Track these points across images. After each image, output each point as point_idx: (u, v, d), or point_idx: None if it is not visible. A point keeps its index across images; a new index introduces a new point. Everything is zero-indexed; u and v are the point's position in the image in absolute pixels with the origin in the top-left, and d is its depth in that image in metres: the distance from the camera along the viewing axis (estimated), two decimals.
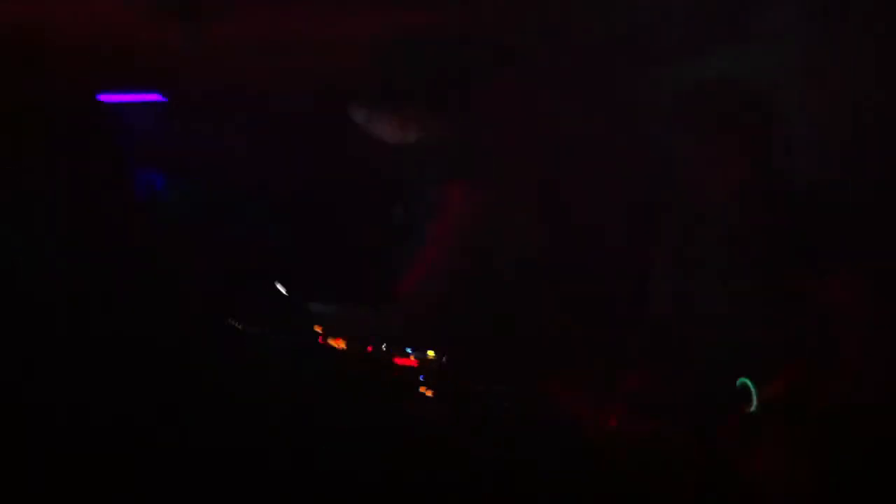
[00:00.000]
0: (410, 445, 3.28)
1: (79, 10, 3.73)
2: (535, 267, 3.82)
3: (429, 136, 3.88)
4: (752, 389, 3.22)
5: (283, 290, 3.74)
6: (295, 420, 3.30)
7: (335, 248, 4.00)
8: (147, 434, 3.27)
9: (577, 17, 3.87)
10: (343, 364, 3.54)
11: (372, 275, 3.89)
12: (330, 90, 3.94)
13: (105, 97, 4.00)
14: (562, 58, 3.91)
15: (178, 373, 3.36)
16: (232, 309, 3.60)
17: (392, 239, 3.92)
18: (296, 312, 3.71)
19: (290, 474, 3.23)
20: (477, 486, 3.20)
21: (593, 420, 3.36)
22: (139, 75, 4.05)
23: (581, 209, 3.85)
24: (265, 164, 4.04)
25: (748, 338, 3.32)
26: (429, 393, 3.42)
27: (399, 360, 3.51)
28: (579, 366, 3.53)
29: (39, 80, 3.64)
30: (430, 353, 3.52)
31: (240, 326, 3.55)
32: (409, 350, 3.53)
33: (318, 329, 3.60)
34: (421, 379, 3.46)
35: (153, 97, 4.13)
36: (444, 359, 3.51)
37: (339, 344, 3.56)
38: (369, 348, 3.55)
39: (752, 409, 3.21)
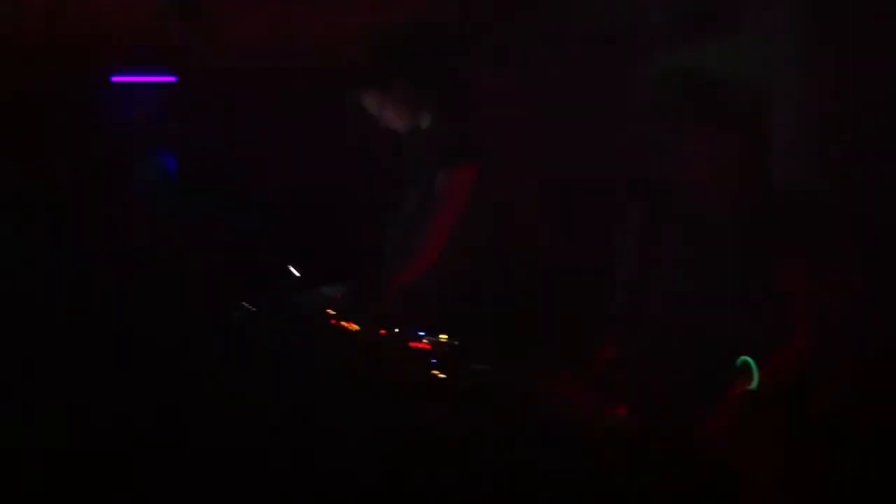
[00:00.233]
0: (410, 445, 3.28)
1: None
2: (532, 259, 3.83)
3: (427, 125, 3.87)
4: (753, 367, 3.22)
5: (295, 272, 3.73)
6: (295, 420, 3.29)
7: (338, 238, 4.00)
8: (147, 433, 3.27)
9: (569, 11, 3.87)
10: (350, 354, 3.52)
11: (375, 263, 3.89)
12: (329, 81, 3.92)
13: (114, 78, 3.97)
14: (555, 51, 3.91)
15: (178, 371, 3.35)
16: (233, 302, 3.60)
17: (390, 234, 3.92)
18: (300, 299, 3.70)
19: (290, 474, 3.23)
20: (477, 486, 3.20)
21: (591, 416, 3.36)
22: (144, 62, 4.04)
23: (575, 202, 3.86)
24: (266, 155, 4.03)
25: (739, 333, 3.33)
26: (441, 376, 3.43)
27: (412, 343, 3.52)
28: (576, 361, 3.53)
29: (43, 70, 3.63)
30: (443, 337, 3.53)
31: (241, 319, 3.55)
32: (421, 333, 3.54)
33: (331, 312, 3.59)
34: (433, 362, 3.47)
35: (159, 78, 4.11)
36: (455, 342, 3.52)
37: (352, 327, 3.56)
38: (382, 331, 3.55)
39: (753, 386, 3.21)
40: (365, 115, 3.90)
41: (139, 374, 3.35)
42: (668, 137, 3.54)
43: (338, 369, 3.43)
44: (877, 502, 3.13)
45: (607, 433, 3.29)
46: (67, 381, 3.34)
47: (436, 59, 3.82)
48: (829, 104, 3.59)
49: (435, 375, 3.44)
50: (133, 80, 4.08)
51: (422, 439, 3.29)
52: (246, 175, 4.06)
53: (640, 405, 3.35)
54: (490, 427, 3.32)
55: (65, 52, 3.80)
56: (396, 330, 3.56)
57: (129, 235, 3.77)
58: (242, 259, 3.88)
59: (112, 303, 3.50)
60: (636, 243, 3.56)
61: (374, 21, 3.86)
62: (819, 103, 3.59)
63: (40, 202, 3.67)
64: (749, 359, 3.22)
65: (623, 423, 3.29)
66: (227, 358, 3.42)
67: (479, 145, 3.77)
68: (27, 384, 3.32)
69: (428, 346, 3.52)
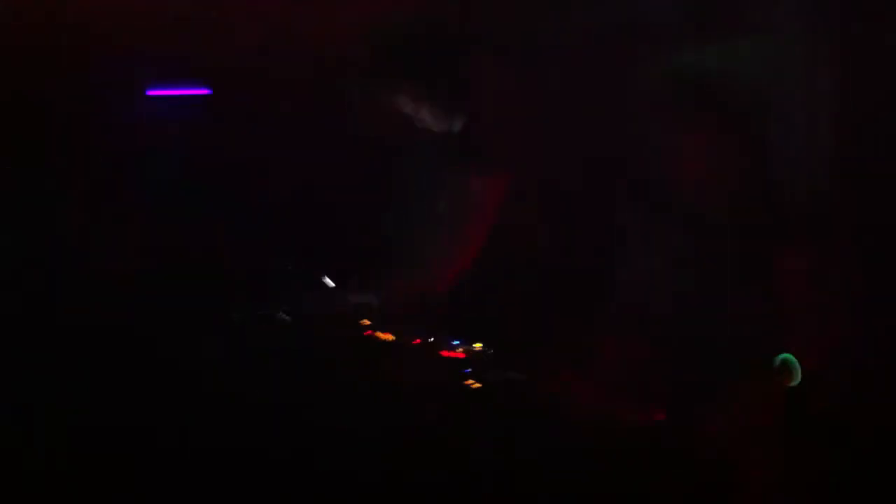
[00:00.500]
0: (410, 445, 3.28)
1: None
2: (532, 259, 3.82)
3: (427, 129, 3.87)
4: (794, 363, 3.23)
5: (328, 280, 3.74)
6: (294, 420, 3.29)
7: (333, 243, 4.00)
8: (147, 433, 3.27)
9: (569, 11, 3.86)
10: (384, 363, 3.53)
11: (380, 267, 3.89)
12: (328, 81, 3.92)
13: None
14: (555, 51, 3.91)
15: (178, 371, 3.35)
16: (232, 305, 3.60)
17: (390, 235, 3.92)
18: (295, 306, 3.70)
19: (289, 474, 3.23)
20: (477, 486, 3.21)
21: (592, 414, 3.36)
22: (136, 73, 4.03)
23: (575, 202, 3.85)
24: (268, 156, 4.02)
25: (739, 333, 3.33)
26: (475, 385, 3.42)
27: (445, 353, 3.52)
28: (576, 361, 3.53)
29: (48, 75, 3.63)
30: (477, 346, 3.54)
31: (242, 320, 3.55)
32: (455, 343, 3.54)
33: (365, 322, 3.59)
34: (468, 371, 3.47)
35: (193, 91, 4.11)
36: (490, 351, 3.52)
37: (387, 337, 3.56)
38: (416, 340, 3.55)
39: (796, 382, 3.22)
40: (365, 115, 3.90)
41: (139, 374, 3.35)
42: (668, 137, 3.54)
43: (357, 375, 3.44)
44: (877, 502, 3.13)
45: (608, 433, 3.29)
46: (67, 382, 3.34)
47: (436, 59, 3.83)
48: (829, 104, 3.59)
49: (468, 385, 3.44)
50: (167, 93, 4.09)
51: (423, 439, 3.29)
52: (247, 175, 4.05)
53: (640, 405, 3.35)
54: (491, 427, 3.32)
55: (71, 53, 3.81)
56: (431, 339, 3.56)
57: (131, 236, 3.77)
58: (245, 260, 3.87)
59: (112, 303, 3.50)
60: (636, 243, 3.56)
61: (374, 21, 3.86)
62: (819, 103, 3.58)
63: (40, 202, 3.66)
64: (789, 355, 3.23)
65: (630, 423, 3.30)
66: (226, 358, 3.42)
67: (480, 146, 3.78)
68: (27, 384, 3.31)
69: (462, 356, 3.52)
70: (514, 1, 3.96)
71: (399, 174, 3.94)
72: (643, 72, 3.77)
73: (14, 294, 3.48)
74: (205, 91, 4.13)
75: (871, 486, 3.11)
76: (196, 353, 3.43)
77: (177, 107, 4.10)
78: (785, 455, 3.13)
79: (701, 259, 3.45)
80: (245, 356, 3.45)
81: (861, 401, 3.21)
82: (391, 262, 3.86)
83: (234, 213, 4.01)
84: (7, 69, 3.70)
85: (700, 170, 3.51)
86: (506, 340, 3.63)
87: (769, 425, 3.18)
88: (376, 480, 3.20)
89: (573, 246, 3.76)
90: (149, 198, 3.93)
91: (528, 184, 3.84)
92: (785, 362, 3.24)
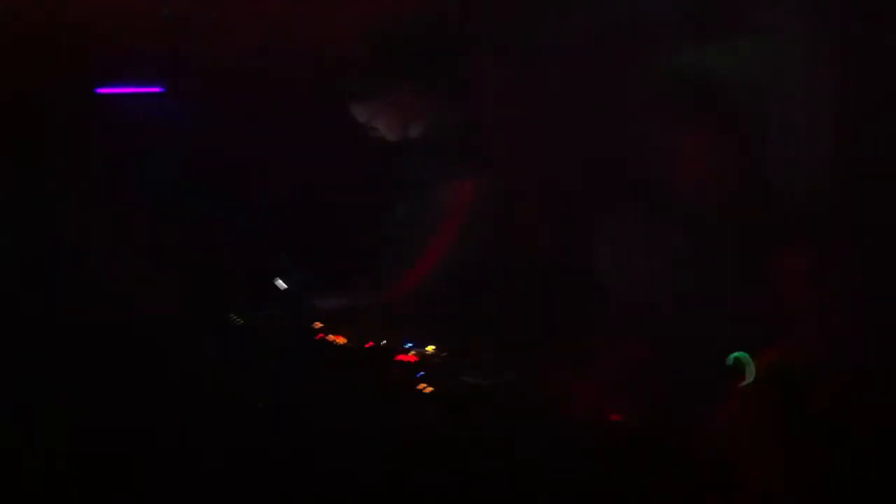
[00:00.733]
0: (410, 445, 3.28)
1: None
2: (532, 259, 3.82)
3: (427, 129, 3.87)
4: (748, 361, 3.23)
5: (282, 284, 3.72)
6: (294, 420, 3.29)
7: (334, 243, 3.99)
8: (147, 433, 3.27)
9: (569, 11, 3.86)
10: (342, 361, 3.52)
11: (371, 270, 3.88)
12: (328, 81, 3.92)
13: (104, 90, 3.97)
14: (555, 51, 3.91)
15: (177, 371, 3.35)
16: (232, 306, 3.59)
17: (390, 234, 3.92)
18: (295, 307, 3.70)
19: (289, 475, 3.23)
20: (477, 486, 3.21)
21: (591, 416, 3.36)
22: (139, 67, 4.03)
23: (575, 202, 3.85)
24: (264, 159, 4.02)
25: (739, 333, 3.33)
26: (428, 389, 3.40)
27: (399, 357, 3.50)
28: (576, 361, 3.53)
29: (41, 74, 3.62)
30: (430, 349, 3.51)
31: (239, 322, 3.54)
32: (408, 345, 3.52)
33: (318, 326, 3.58)
34: (420, 375, 3.44)
35: (152, 89, 4.10)
36: (443, 354, 3.50)
37: (340, 340, 3.54)
38: (370, 344, 3.54)
39: (750, 380, 3.22)
40: (365, 115, 3.90)
41: (138, 374, 3.35)
42: (668, 137, 3.54)
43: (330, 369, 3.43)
44: (877, 502, 3.13)
45: (607, 433, 3.29)
46: (67, 382, 3.34)
47: (436, 59, 3.82)
48: (829, 104, 3.59)
49: (422, 389, 3.42)
50: (120, 91, 4.07)
51: (420, 440, 3.29)
52: (244, 176, 4.05)
53: (640, 405, 3.35)
54: (490, 428, 3.32)
55: (71, 53, 3.80)
56: (384, 342, 3.54)
57: (130, 236, 3.77)
58: (241, 262, 3.87)
59: (112, 304, 3.50)
60: (636, 243, 3.56)
61: (374, 21, 3.86)
62: (819, 103, 3.58)
63: (40, 202, 3.66)
64: (741, 353, 3.23)
65: (624, 424, 3.30)
66: (226, 358, 3.42)
67: (480, 145, 3.77)
68: (27, 385, 3.31)
69: (415, 359, 3.50)
70: (514, 1, 3.96)
71: (399, 174, 3.94)
72: (643, 72, 3.77)
73: (14, 294, 3.48)
74: (158, 89, 4.12)
75: (871, 486, 3.10)
76: (196, 353, 3.44)
77: (176, 107, 4.09)
78: (785, 455, 3.13)
79: (701, 259, 3.45)
80: (245, 357, 3.45)
81: (861, 401, 3.21)
82: (391, 262, 3.87)
83: (234, 213, 4.01)
84: (7, 69, 3.70)
85: (700, 170, 3.51)
86: (505, 340, 3.63)
87: (769, 425, 3.18)
88: (376, 480, 3.20)
89: (573, 246, 3.76)
90: (149, 198, 3.93)
91: (528, 184, 3.84)
92: (738, 361, 3.25)
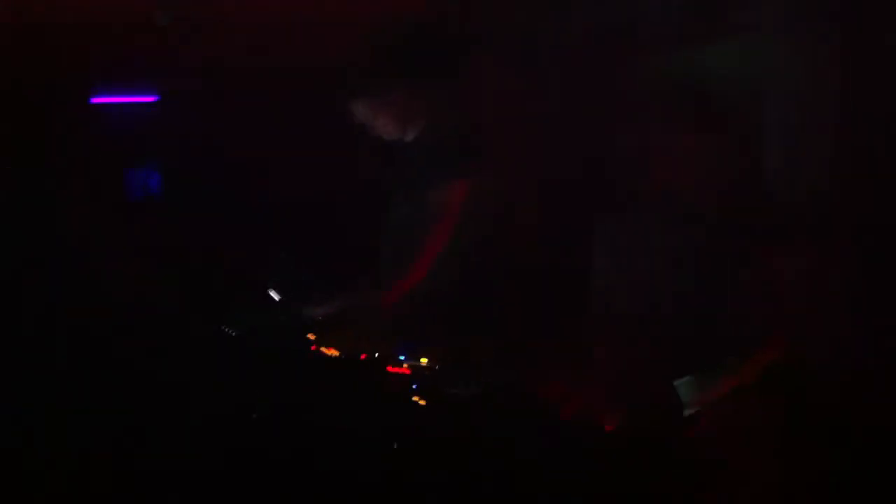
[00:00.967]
0: (409, 446, 3.28)
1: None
2: (531, 261, 3.83)
3: (427, 129, 3.87)
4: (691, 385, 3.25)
5: (275, 293, 3.72)
6: (292, 422, 3.29)
7: (328, 250, 4.00)
8: (147, 433, 3.27)
9: (569, 11, 3.87)
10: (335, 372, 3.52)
11: (365, 276, 3.88)
12: (327, 81, 3.92)
13: (99, 98, 3.98)
14: (555, 51, 3.91)
15: (174, 375, 3.35)
16: (228, 311, 3.59)
17: (390, 235, 3.92)
18: (289, 315, 3.69)
19: (289, 475, 3.23)
20: (477, 486, 3.21)
21: (589, 414, 3.36)
22: (134, 73, 4.04)
23: (574, 201, 3.85)
24: (260, 164, 4.03)
25: (738, 333, 3.34)
26: (422, 402, 3.39)
27: (392, 369, 3.49)
28: (575, 361, 3.53)
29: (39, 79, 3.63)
30: (423, 361, 3.50)
31: (235, 328, 3.53)
32: (401, 358, 3.50)
33: (311, 337, 3.56)
34: (414, 387, 3.43)
35: (147, 97, 4.11)
36: (436, 366, 3.48)
37: (332, 352, 3.53)
38: (363, 356, 3.52)
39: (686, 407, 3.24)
40: (365, 115, 3.89)
41: (138, 374, 3.35)
42: (667, 137, 3.54)
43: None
44: (877, 502, 3.13)
45: (607, 433, 3.29)
46: (67, 382, 3.34)
47: (436, 59, 3.82)
48: (829, 104, 3.59)
49: (415, 401, 3.41)
50: (113, 100, 4.08)
51: (422, 441, 3.29)
52: (244, 176, 4.06)
53: (639, 405, 3.35)
54: (490, 428, 3.32)
55: (71, 53, 3.81)
56: (377, 354, 3.53)
57: (131, 235, 3.77)
58: (241, 262, 3.87)
59: (111, 304, 3.50)
60: (635, 243, 3.56)
61: (374, 21, 3.86)
62: (819, 103, 3.59)
63: (40, 202, 3.66)
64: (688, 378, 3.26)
65: (622, 426, 3.30)
66: (226, 359, 3.42)
67: (480, 145, 3.78)
68: (27, 385, 3.31)
69: (408, 371, 3.49)
70: (514, 1, 3.96)
71: (399, 174, 3.94)
72: (643, 72, 3.77)
73: (14, 294, 3.48)
74: (158, 92, 4.13)
75: (871, 486, 3.10)
76: (196, 353, 3.43)
77: (175, 108, 4.10)
78: (785, 455, 3.13)
79: (700, 259, 3.45)
80: (245, 357, 3.45)
81: (861, 401, 3.21)
82: (391, 263, 3.87)
83: (233, 213, 4.01)
84: (7, 69, 3.70)
85: (699, 170, 3.51)
86: (505, 340, 3.63)
87: (769, 425, 3.18)
88: (374, 482, 3.20)
89: (573, 246, 3.76)
90: (148, 198, 3.93)
91: (528, 184, 3.85)
92: (687, 384, 3.27)
